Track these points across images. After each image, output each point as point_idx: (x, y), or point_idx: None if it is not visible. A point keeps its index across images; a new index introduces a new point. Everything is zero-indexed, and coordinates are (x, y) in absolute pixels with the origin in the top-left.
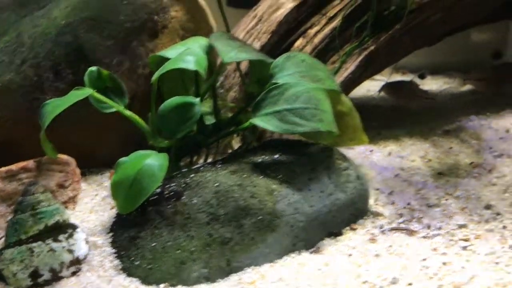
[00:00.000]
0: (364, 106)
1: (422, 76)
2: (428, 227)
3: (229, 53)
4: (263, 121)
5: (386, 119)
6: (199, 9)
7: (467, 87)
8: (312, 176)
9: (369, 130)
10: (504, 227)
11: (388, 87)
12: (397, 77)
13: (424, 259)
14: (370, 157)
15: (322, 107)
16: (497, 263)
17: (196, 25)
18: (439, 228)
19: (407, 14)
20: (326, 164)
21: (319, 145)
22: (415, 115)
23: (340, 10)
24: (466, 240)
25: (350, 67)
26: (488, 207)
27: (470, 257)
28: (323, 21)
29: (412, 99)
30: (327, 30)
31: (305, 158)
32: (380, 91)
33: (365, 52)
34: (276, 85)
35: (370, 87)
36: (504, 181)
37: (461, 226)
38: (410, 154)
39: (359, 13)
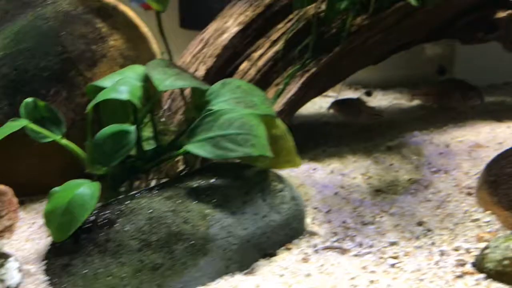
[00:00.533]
0: (314, 124)
1: (368, 94)
2: (360, 245)
3: (164, 82)
4: (197, 147)
5: (333, 136)
6: (141, 36)
7: (416, 102)
8: (246, 199)
9: (315, 147)
10: (433, 244)
11: (337, 104)
12: (350, 93)
13: (353, 278)
14: (312, 176)
15: (255, 133)
16: (421, 280)
17: (137, 53)
18: (371, 246)
19: (347, 36)
20: (261, 187)
21: (255, 168)
22: (361, 132)
23: (283, 33)
24: (395, 257)
25: (293, 89)
26: (420, 223)
27: (397, 275)
28: (267, 45)
29: (359, 115)
30: (270, 53)
31: (241, 181)
32: (329, 108)
33: (307, 74)
34: (210, 111)
35: (323, 104)
36: (439, 196)
37: (392, 244)
38: (352, 171)
39: (301, 36)
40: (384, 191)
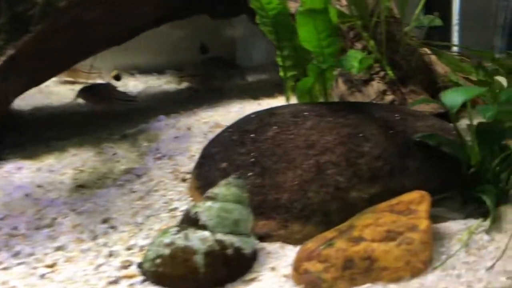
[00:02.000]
0: (59, 115)
1: (118, 78)
2: (17, 255)
3: None
4: None
5: (72, 128)
6: None
7: (184, 84)
8: None
9: (39, 143)
10: (105, 244)
11: (84, 92)
12: (129, 79)
13: None
14: (12, 177)
15: None
16: None
17: None
18: (30, 255)
19: (55, 13)
20: None
21: None
22: (106, 120)
23: None
24: (51, 266)
25: None
26: (106, 220)
27: (44, 287)
28: None
29: (110, 103)
30: None
31: None
32: (76, 97)
33: (3, 58)
34: None
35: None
36: (147, 186)
37: (58, 249)
38: (64, 166)
39: None
40: (88, 186)
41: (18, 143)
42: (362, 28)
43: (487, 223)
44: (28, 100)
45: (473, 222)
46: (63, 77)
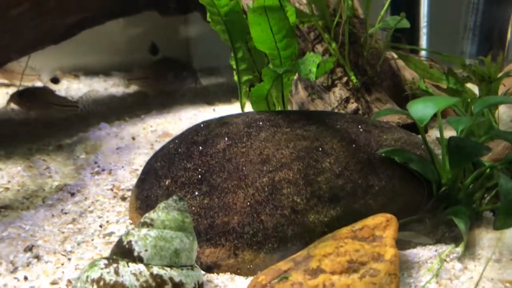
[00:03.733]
0: None
1: (55, 81)
2: None
3: None
4: None
5: (3, 138)
6: None
7: (133, 87)
8: None
9: None
10: (26, 278)
11: (17, 96)
12: (73, 81)
13: None
14: None
15: None
16: None
17: None
18: None
19: None
20: None
21: None
22: (41, 128)
23: None
24: None
25: None
26: (29, 248)
27: None
28: None
29: (46, 108)
30: None
31: None
32: (8, 102)
33: None
34: None
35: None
36: (81, 206)
37: None
38: None
39: None
40: (12, 207)
41: None
42: (323, 29)
43: (459, 249)
44: None
45: (444, 248)
46: None
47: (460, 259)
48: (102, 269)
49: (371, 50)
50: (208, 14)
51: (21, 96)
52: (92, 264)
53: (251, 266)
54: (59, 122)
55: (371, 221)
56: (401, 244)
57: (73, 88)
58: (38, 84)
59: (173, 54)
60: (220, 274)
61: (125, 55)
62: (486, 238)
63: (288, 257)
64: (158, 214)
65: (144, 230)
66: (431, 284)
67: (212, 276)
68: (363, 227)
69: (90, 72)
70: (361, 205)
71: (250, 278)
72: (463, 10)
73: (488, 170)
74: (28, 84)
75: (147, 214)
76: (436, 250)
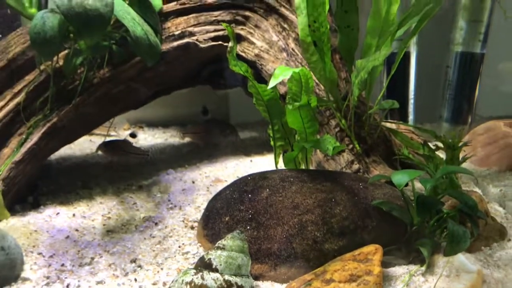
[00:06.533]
0: (82, 165)
1: (133, 135)
2: (67, 286)
3: None
4: None
5: (95, 178)
6: None
7: (187, 139)
8: None
9: (70, 190)
10: (136, 280)
11: (104, 146)
12: (138, 132)
13: None
14: (52, 221)
15: None
16: None
17: None
18: (78, 287)
19: (89, 88)
20: None
21: None
22: (123, 172)
23: (25, 86)
24: None
25: (34, 138)
26: (134, 260)
27: None
28: (9, 96)
29: (125, 156)
30: (12, 104)
31: None
32: (97, 150)
33: (48, 124)
34: None
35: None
36: (163, 232)
37: (99, 282)
38: (94, 213)
39: (45, 88)
40: (115, 231)
41: (51, 191)
42: (336, 109)
43: (423, 268)
44: None
45: (413, 267)
46: None
47: (423, 274)
48: (192, 275)
49: (370, 125)
50: (254, 99)
51: (107, 146)
52: (185, 272)
53: (285, 277)
54: (134, 167)
55: (365, 249)
56: (385, 264)
57: (140, 137)
58: (113, 133)
59: (217, 110)
60: (264, 281)
61: (181, 112)
62: (441, 261)
63: (311, 272)
64: (228, 241)
65: (219, 251)
66: None
67: (259, 283)
68: (360, 253)
69: (151, 124)
70: (360, 238)
71: (285, 285)
72: (441, 82)
73: (445, 215)
74: (104, 132)
75: (219, 241)
76: (407, 269)
